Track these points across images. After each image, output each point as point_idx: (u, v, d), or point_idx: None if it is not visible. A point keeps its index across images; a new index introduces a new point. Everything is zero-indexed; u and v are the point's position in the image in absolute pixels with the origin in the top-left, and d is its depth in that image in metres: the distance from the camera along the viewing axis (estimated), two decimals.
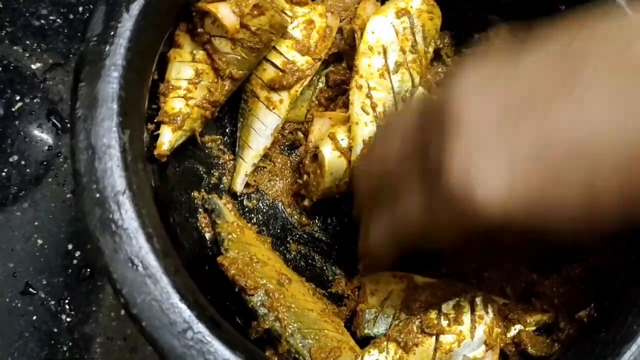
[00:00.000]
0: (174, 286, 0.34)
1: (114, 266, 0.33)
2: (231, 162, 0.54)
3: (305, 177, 0.52)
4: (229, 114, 0.55)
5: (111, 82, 0.36)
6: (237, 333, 0.37)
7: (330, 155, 0.49)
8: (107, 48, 0.37)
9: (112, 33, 0.37)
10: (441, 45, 0.59)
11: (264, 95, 0.52)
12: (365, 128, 0.49)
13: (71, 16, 0.61)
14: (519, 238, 0.31)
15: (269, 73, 0.51)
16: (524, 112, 0.28)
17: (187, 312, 0.33)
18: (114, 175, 0.35)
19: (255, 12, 0.47)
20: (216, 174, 0.54)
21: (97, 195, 0.34)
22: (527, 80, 0.28)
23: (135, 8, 0.38)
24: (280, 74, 0.51)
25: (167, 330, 0.33)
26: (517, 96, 0.28)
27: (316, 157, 0.51)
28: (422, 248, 0.36)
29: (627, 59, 0.27)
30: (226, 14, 0.45)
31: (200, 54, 0.48)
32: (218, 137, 0.55)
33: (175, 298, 0.34)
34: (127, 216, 0.34)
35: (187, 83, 0.48)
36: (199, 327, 0.33)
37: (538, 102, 0.27)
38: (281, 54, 0.51)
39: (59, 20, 0.60)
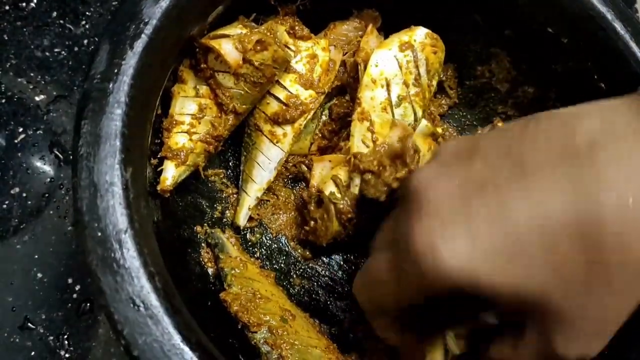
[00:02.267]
0: (175, 327, 0.33)
1: (115, 306, 0.33)
2: (234, 195, 0.54)
3: (312, 223, 0.51)
4: (232, 148, 0.55)
5: (114, 120, 0.36)
6: None
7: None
8: (111, 85, 0.36)
9: (115, 71, 0.37)
10: (444, 78, 0.59)
11: (267, 129, 0.52)
12: None
13: (76, 49, 0.61)
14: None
15: (272, 107, 0.51)
16: (481, 193, 0.30)
17: (189, 354, 0.33)
18: (116, 214, 0.34)
19: (258, 48, 0.47)
20: (219, 208, 0.53)
21: (99, 233, 0.34)
22: (483, 165, 0.32)
23: (139, 45, 0.38)
24: (284, 107, 0.51)
25: None
26: (475, 179, 0.31)
27: (321, 202, 0.50)
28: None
29: (572, 142, 0.29)
30: (229, 50, 0.46)
31: (204, 89, 0.48)
32: (221, 170, 0.54)
33: (177, 339, 0.33)
34: (129, 255, 0.34)
35: (191, 118, 0.48)
36: None
37: (493, 185, 0.30)
38: (285, 88, 0.51)
39: (63, 52, 0.61)
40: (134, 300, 0.33)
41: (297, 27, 0.52)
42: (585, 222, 0.28)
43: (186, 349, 0.33)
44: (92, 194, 0.34)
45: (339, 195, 0.48)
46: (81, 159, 0.35)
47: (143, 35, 0.38)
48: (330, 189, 0.49)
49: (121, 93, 0.37)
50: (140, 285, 0.33)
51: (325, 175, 0.51)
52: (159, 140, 0.47)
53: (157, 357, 0.32)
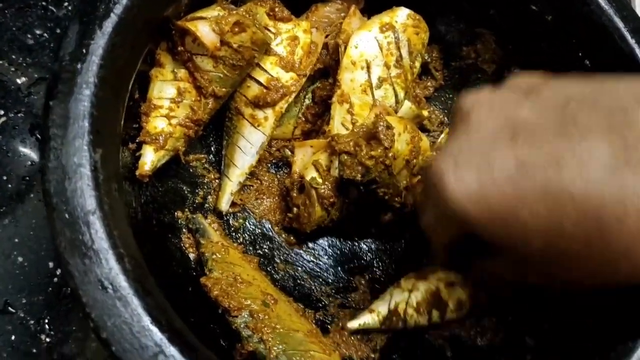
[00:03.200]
0: (145, 308, 0.33)
1: (84, 289, 0.32)
2: (216, 181, 0.54)
3: (295, 209, 0.50)
4: (213, 132, 0.55)
5: (83, 100, 0.35)
6: (216, 358, 0.36)
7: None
8: (79, 66, 0.36)
9: (84, 51, 0.36)
10: (429, 60, 0.58)
11: (248, 112, 0.51)
12: None
13: (58, 30, 0.60)
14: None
15: (253, 90, 0.51)
16: (514, 139, 0.31)
17: (158, 336, 0.32)
18: (84, 195, 0.34)
19: (236, 29, 0.46)
20: (201, 193, 0.53)
21: (67, 216, 0.33)
22: (533, 112, 0.31)
23: (108, 25, 0.37)
24: (265, 91, 0.50)
25: (137, 355, 0.32)
26: (517, 122, 0.31)
27: (303, 188, 0.50)
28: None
29: (623, 123, 0.28)
30: (206, 32, 0.45)
31: (182, 73, 0.48)
32: (203, 155, 0.54)
33: (146, 321, 0.32)
34: (97, 237, 0.33)
35: (170, 102, 0.47)
36: (171, 350, 0.32)
37: (530, 136, 0.30)
38: (265, 70, 0.50)
39: (45, 34, 0.60)
40: (102, 282, 0.33)
41: (277, 9, 0.51)
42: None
43: (155, 330, 0.32)
44: (60, 175, 0.34)
45: (320, 180, 0.47)
46: (49, 141, 0.35)
47: (112, 15, 0.38)
48: (311, 174, 0.48)
49: (90, 74, 0.36)
50: (109, 267, 0.33)
51: (307, 160, 0.50)
52: (138, 125, 0.46)
53: (126, 338, 0.32)
